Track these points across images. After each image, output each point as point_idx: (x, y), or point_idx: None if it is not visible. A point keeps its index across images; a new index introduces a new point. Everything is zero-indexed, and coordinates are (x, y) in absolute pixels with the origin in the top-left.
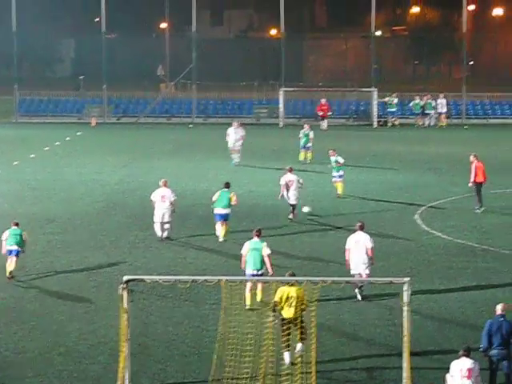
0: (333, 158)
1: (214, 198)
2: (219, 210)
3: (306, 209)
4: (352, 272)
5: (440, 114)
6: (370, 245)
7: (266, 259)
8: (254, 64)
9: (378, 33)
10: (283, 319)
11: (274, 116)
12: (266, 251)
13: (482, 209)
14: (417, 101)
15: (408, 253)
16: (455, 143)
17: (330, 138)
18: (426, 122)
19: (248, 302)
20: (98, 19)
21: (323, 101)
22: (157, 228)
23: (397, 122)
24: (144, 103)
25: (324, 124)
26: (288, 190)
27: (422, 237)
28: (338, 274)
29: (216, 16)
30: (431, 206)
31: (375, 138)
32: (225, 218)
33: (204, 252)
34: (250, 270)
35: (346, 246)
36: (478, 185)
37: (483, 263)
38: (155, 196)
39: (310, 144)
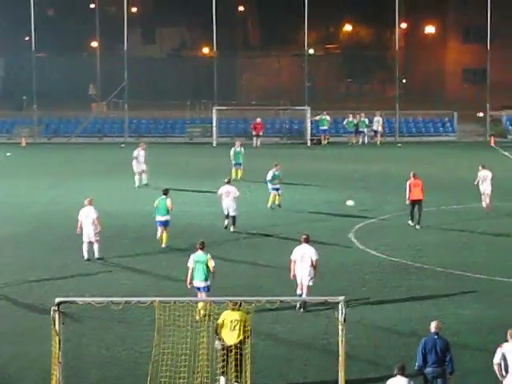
0: (276, 173)
1: (154, 205)
2: (159, 218)
3: (350, 202)
4: (298, 281)
5: (375, 132)
6: (315, 257)
7: (212, 271)
8: (186, 82)
9: (311, 51)
10: (223, 344)
11: (208, 135)
12: (212, 263)
13: (418, 226)
14: (350, 119)
15: (343, 271)
16: (389, 161)
17: (264, 156)
18: (360, 140)
19: (199, 306)
20: (27, 38)
21: (258, 120)
22: (84, 248)
23: (326, 141)
24: (75, 123)
25: (257, 142)
26: (224, 200)
27: (356, 255)
28: (278, 290)
29: (148, 34)
30: (365, 224)
31: (309, 157)
32: (165, 224)
33: (137, 273)
34: (196, 282)
35: (292, 257)
36: (413, 202)
37: (417, 281)
38: (81, 215)
39: (241, 161)
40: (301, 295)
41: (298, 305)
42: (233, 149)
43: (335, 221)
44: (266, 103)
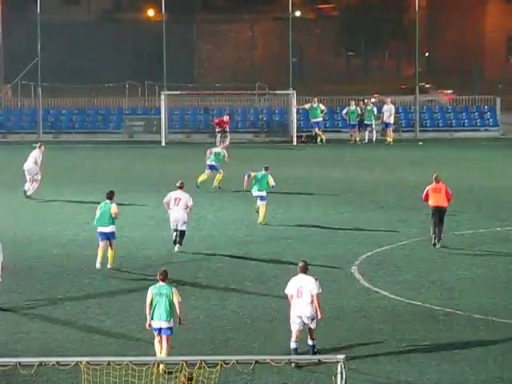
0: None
1: (96, 214)
2: (101, 229)
3: None
4: (293, 327)
5: (386, 125)
6: (315, 291)
7: (177, 308)
8: (124, 58)
9: (298, 13)
10: None
11: (154, 131)
12: (177, 298)
13: (439, 244)
14: (352, 107)
15: (343, 319)
16: (406, 166)
17: (232, 160)
18: (366, 137)
19: (158, 353)
20: None
21: (226, 118)
22: None
23: (320, 138)
24: None
25: (225, 140)
26: (172, 209)
27: (361, 297)
28: (250, 344)
29: None
30: (374, 254)
31: (295, 160)
32: (108, 236)
33: (54, 323)
34: (156, 322)
35: (287, 291)
36: (434, 209)
37: (447, 332)
38: None
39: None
40: (296, 350)
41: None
42: (214, 150)
43: (332, 248)
44: (235, 86)
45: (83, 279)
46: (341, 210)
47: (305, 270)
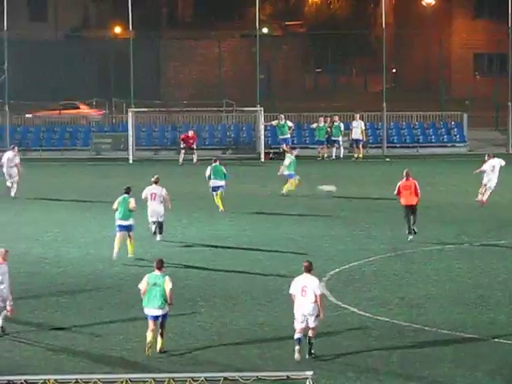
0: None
1: (114, 207)
2: (121, 222)
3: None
4: (297, 325)
5: (356, 141)
6: (318, 291)
7: (169, 294)
8: (91, 75)
9: (265, 30)
10: None
11: (121, 148)
12: (169, 285)
13: (412, 236)
14: (320, 124)
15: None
16: (374, 182)
17: (198, 177)
18: (334, 153)
19: (149, 338)
20: None
21: (191, 133)
22: None
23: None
24: None
25: (193, 157)
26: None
27: (329, 313)
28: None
29: (37, 9)
30: (342, 270)
31: (263, 176)
32: (128, 228)
33: (22, 342)
34: (149, 309)
35: (291, 291)
36: (405, 207)
37: (415, 348)
38: None
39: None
40: (299, 340)
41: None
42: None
43: (299, 264)
44: (202, 103)
45: (50, 297)
46: (306, 225)
47: (309, 270)
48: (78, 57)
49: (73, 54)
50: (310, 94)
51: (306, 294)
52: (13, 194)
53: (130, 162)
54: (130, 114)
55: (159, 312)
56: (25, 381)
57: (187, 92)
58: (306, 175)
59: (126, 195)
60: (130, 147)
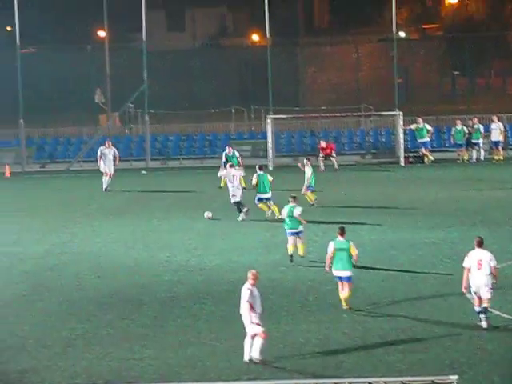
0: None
1: (282, 216)
2: (291, 230)
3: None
4: (472, 295)
5: (496, 143)
6: (493, 263)
7: (355, 259)
8: (229, 83)
9: (402, 34)
10: None
11: (260, 155)
12: (355, 251)
13: None
14: (459, 127)
15: (455, 340)
16: None
17: (338, 182)
18: (474, 156)
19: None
20: (10, 28)
21: (323, 143)
22: None
23: (427, 158)
24: (77, 143)
25: (334, 163)
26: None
27: (472, 316)
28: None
29: (175, 18)
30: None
31: (403, 181)
32: (298, 234)
33: (166, 349)
34: (338, 271)
35: (465, 265)
36: None
37: None
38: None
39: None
40: (480, 312)
41: (483, 323)
42: (307, 168)
43: (443, 268)
44: (341, 109)
45: (193, 304)
46: (448, 229)
47: (480, 245)
48: (216, 65)
49: (210, 62)
50: (447, 97)
51: (481, 267)
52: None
53: (270, 168)
54: (268, 120)
55: (347, 273)
56: None
57: (325, 98)
58: (445, 179)
59: (292, 204)
60: (270, 154)
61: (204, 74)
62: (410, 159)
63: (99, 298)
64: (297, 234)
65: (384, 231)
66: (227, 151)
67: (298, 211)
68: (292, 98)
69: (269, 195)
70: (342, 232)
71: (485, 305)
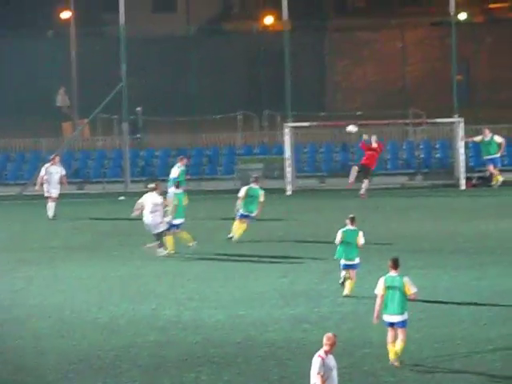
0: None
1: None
2: (346, 262)
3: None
4: None
5: None
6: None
7: (412, 298)
8: (234, 80)
9: (462, 16)
10: None
11: (276, 176)
12: (412, 289)
13: None
14: None
15: None
16: None
17: (372, 209)
18: None
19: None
20: None
21: (374, 140)
22: None
23: (498, 179)
24: (34, 159)
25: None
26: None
27: None
28: None
29: None
30: None
31: (463, 210)
32: (353, 267)
33: None
34: (388, 316)
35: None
36: None
37: None
38: None
39: None
40: None
41: None
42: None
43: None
44: (383, 114)
45: (187, 373)
46: None
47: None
48: (218, 57)
49: (210, 53)
50: None
51: None
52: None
53: (289, 193)
54: (286, 130)
55: (399, 318)
56: None
57: (361, 100)
58: None
59: (350, 227)
60: (288, 174)
61: (201, 69)
62: (474, 181)
63: (63, 365)
64: (351, 266)
65: (439, 276)
66: (179, 164)
67: (361, 239)
68: (317, 100)
69: (182, 221)
70: (395, 265)
71: None
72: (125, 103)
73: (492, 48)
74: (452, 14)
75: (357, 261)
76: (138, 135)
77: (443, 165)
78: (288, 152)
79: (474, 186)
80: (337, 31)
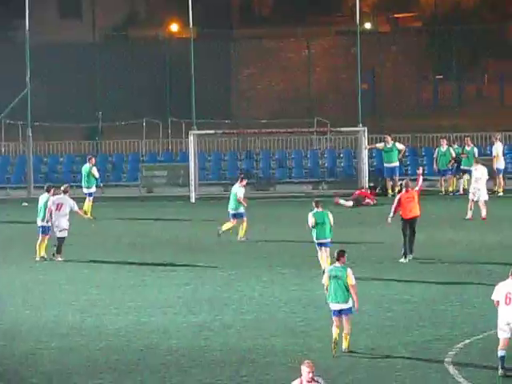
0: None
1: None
2: (322, 240)
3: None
4: (501, 334)
5: (497, 171)
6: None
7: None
8: (139, 87)
9: (368, 25)
10: None
11: (180, 183)
12: (351, 280)
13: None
14: (443, 148)
15: None
16: None
17: (280, 221)
18: (461, 186)
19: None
20: None
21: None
22: None
23: (396, 188)
24: None
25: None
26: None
27: None
28: None
29: (69, 3)
30: (476, 341)
31: (372, 219)
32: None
33: None
34: (334, 304)
35: (494, 297)
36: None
37: None
38: None
39: None
40: (503, 357)
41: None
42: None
43: (424, 332)
44: (287, 123)
45: (89, 380)
46: (441, 280)
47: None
48: (122, 64)
49: (115, 60)
50: (427, 109)
51: (510, 302)
52: None
53: (192, 200)
54: (191, 137)
55: (345, 306)
56: None
57: (266, 108)
58: (426, 217)
59: (317, 209)
60: (192, 182)
61: (106, 76)
62: (378, 190)
63: None
64: (324, 244)
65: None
66: (88, 164)
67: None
68: (222, 108)
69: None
70: (340, 257)
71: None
72: (29, 109)
73: (397, 57)
74: (357, 23)
75: (329, 239)
76: (97, 138)
77: (347, 173)
78: (192, 159)
79: (377, 194)
80: (243, 39)
